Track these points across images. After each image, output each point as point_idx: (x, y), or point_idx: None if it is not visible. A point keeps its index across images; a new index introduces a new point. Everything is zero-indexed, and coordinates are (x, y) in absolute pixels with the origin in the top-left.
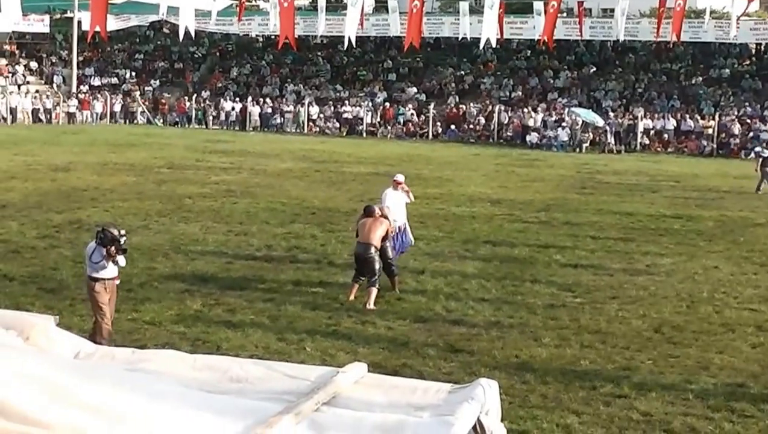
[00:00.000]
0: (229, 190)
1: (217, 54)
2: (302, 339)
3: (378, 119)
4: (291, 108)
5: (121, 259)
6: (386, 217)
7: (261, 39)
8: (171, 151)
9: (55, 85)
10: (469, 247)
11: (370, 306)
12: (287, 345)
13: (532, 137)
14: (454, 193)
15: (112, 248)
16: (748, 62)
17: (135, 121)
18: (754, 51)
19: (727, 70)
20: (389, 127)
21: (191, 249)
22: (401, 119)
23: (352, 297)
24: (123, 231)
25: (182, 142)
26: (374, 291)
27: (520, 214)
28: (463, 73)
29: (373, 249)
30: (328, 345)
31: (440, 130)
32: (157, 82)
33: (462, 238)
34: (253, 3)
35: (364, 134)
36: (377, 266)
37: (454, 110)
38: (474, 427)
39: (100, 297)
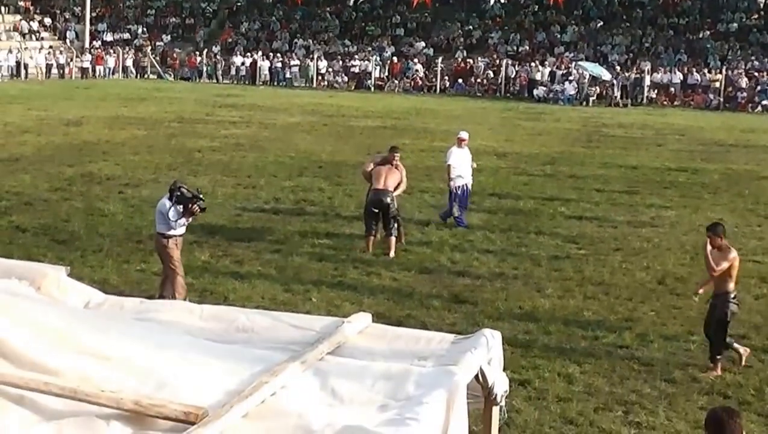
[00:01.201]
0: (238, 144)
1: (228, 10)
2: (308, 290)
3: (386, 73)
4: (300, 62)
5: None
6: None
7: None
8: (181, 105)
9: (68, 41)
10: (474, 200)
11: (391, 254)
12: (293, 296)
13: (539, 91)
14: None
15: (195, 206)
16: (756, 16)
17: (146, 76)
18: (762, 5)
19: (735, 24)
20: (397, 81)
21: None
22: (409, 73)
23: (371, 250)
24: (199, 190)
25: (192, 97)
26: (393, 239)
27: (526, 167)
28: (471, 27)
29: (389, 196)
30: (333, 296)
31: (447, 84)
32: (169, 37)
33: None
34: None
35: (372, 88)
36: (394, 213)
37: (462, 64)
38: (476, 376)
39: (174, 252)
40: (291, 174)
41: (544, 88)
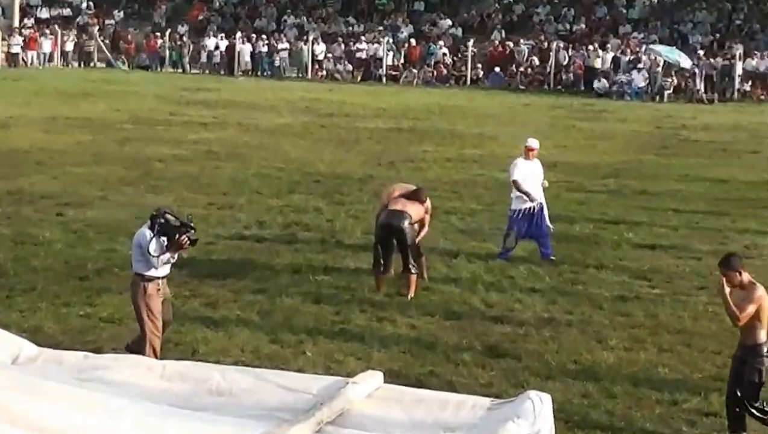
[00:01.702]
0: (211, 151)
1: None
2: (302, 341)
3: (401, 60)
4: (291, 46)
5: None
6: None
7: None
8: (138, 102)
9: None
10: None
11: (411, 295)
12: (282, 349)
13: (600, 83)
14: (498, 154)
15: (183, 238)
16: None
17: (92, 64)
18: None
19: None
20: (415, 71)
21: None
22: (431, 60)
23: (382, 288)
24: (190, 216)
25: (152, 91)
26: (414, 277)
27: (582, 181)
28: (510, 1)
29: (408, 220)
30: (334, 348)
31: (481, 74)
32: (121, 14)
33: (505, 212)
34: None
35: (384, 79)
36: (411, 241)
37: (499, 48)
38: None
39: (153, 302)
40: (279, 190)
41: (606, 80)
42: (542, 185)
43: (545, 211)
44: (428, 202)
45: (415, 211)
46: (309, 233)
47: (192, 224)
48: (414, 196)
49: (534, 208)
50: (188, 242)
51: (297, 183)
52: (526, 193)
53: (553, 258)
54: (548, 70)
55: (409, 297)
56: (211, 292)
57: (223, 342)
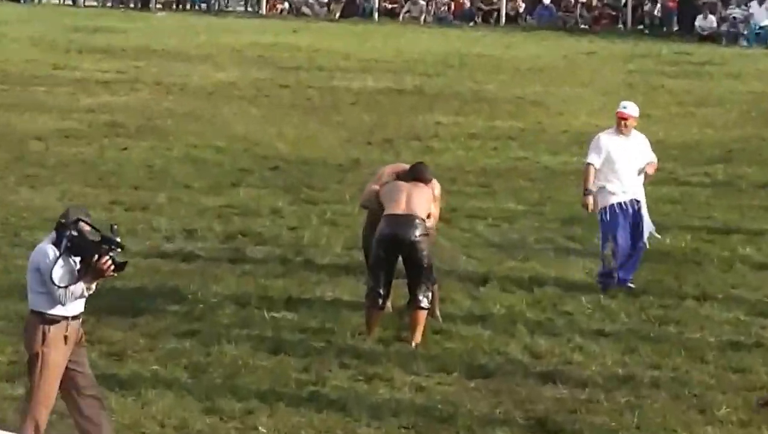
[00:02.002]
0: (116, 124)
1: None
2: (251, 411)
3: None
4: None
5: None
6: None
7: None
8: (5, 50)
9: None
10: (573, 233)
11: (417, 340)
12: (223, 422)
13: (703, 21)
14: (547, 127)
15: (105, 260)
16: None
17: None
18: None
19: None
20: (423, 2)
21: (41, 238)
22: None
23: (373, 331)
24: (115, 227)
25: (27, 32)
26: (424, 314)
27: (676, 169)
28: None
29: (420, 228)
30: (300, 422)
31: (522, 8)
32: None
33: (560, 215)
34: None
35: (376, 15)
36: (426, 259)
37: None
38: None
39: (53, 354)
40: (218, 183)
41: (713, 15)
42: (642, 171)
43: (645, 212)
44: (436, 184)
45: (424, 203)
46: (263, 247)
47: (118, 239)
48: (417, 176)
49: (628, 204)
50: (112, 266)
51: (245, 172)
52: (606, 186)
53: (631, 285)
54: (623, 2)
55: (414, 343)
56: (115, 337)
57: (134, 413)
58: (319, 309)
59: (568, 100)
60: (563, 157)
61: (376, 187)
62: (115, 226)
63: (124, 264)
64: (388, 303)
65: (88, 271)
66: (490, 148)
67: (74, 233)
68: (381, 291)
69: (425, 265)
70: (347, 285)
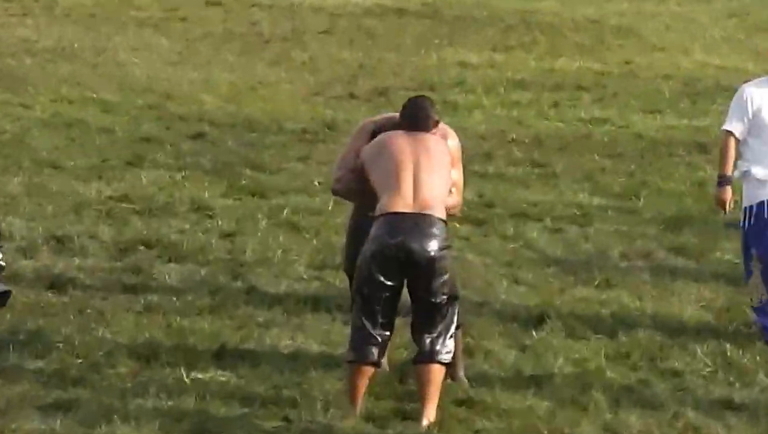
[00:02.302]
0: None
1: None
2: None
3: None
4: None
5: None
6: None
7: None
8: None
9: None
10: (683, 242)
11: (430, 418)
12: None
13: None
14: (639, 70)
15: None
16: None
17: None
18: None
19: None
20: None
21: None
22: None
23: (358, 406)
24: None
25: None
26: (442, 373)
27: None
28: None
29: (439, 234)
30: None
31: None
32: None
33: (661, 213)
34: None
35: None
36: (449, 287)
37: None
38: None
39: None
40: (107, 161)
41: None
42: None
43: None
44: (449, 132)
45: (443, 177)
46: (179, 266)
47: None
48: (416, 122)
49: None
50: None
51: (150, 142)
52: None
53: None
54: None
55: (426, 421)
56: None
57: None
58: (270, 367)
59: (674, 25)
60: (667, 118)
61: (357, 155)
62: None
63: (7, 294)
64: (384, 359)
65: None
66: (547, 105)
67: None
68: (374, 337)
69: (447, 296)
70: (316, 327)
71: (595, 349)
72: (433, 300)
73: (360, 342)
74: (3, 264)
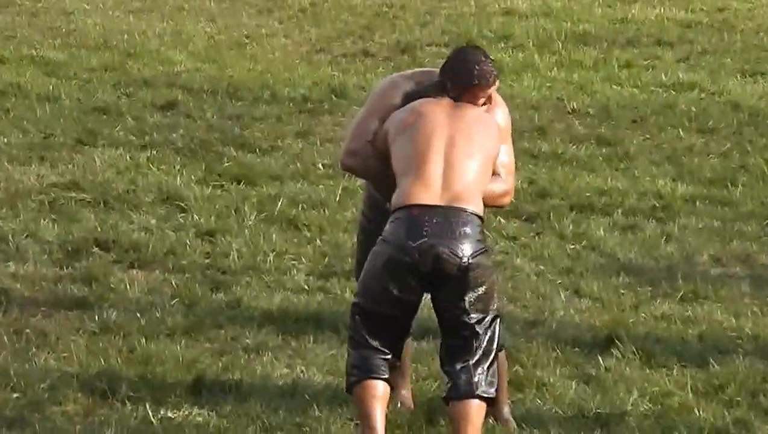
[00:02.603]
0: None
1: None
2: None
3: None
4: None
5: None
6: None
7: None
8: None
9: None
10: None
11: None
12: None
13: None
14: (735, 20)
15: None
16: None
17: None
18: None
19: None
20: None
21: None
22: None
23: None
24: None
25: None
26: (482, 410)
27: None
28: None
29: (476, 235)
30: None
31: None
32: None
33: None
34: None
35: None
36: (490, 302)
37: None
38: None
39: None
40: (48, 138)
41: None
42: None
43: None
44: (500, 103)
45: (486, 161)
46: (145, 274)
47: None
48: (465, 85)
49: None
50: None
51: (104, 113)
52: None
53: None
54: None
55: None
56: None
57: None
58: (262, 404)
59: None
60: None
61: (382, 121)
62: None
63: None
64: (405, 392)
65: None
66: (617, 65)
67: None
68: (381, 354)
69: (485, 315)
70: (319, 352)
71: (679, 381)
72: (467, 319)
73: (362, 359)
74: None
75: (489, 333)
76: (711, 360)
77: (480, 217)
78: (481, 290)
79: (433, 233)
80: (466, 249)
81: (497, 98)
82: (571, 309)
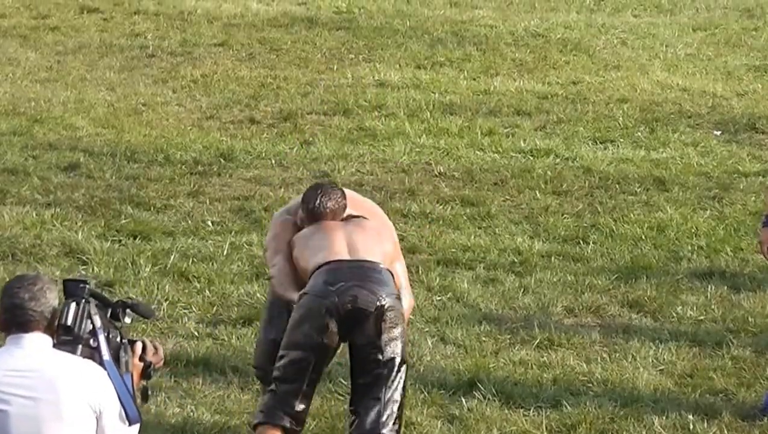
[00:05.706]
0: None
1: None
2: None
3: None
4: None
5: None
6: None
7: None
8: None
9: None
10: (638, 294)
11: None
12: None
13: None
14: (589, 91)
15: (143, 346)
16: None
17: None
18: None
19: None
20: None
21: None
22: None
23: None
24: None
25: None
26: None
27: None
28: None
29: (388, 284)
30: None
31: None
32: None
33: (616, 263)
34: None
35: None
36: (398, 345)
37: None
38: None
39: None
40: None
41: None
42: None
43: None
44: (375, 211)
45: (381, 245)
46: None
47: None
48: (322, 211)
49: None
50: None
51: (13, 175)
52: None
53: None
54: None
55: None
56: None
57: None
58: None
59: (630, 40)
60: (621, 149)
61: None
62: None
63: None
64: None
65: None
66: (480, 133)
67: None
68: (291, 405)
69: (397, 357)
70: (209, 392)
71: (535, 421)
72: (381, 357)
73: (272, 406)
74: None
75: (399, 379)
76: (564, 402)
77: (390, 272)
78: (396, 332)
79: (351, 277)
80: (381, 291)
81: (375, 207)
82: (438, 355)
